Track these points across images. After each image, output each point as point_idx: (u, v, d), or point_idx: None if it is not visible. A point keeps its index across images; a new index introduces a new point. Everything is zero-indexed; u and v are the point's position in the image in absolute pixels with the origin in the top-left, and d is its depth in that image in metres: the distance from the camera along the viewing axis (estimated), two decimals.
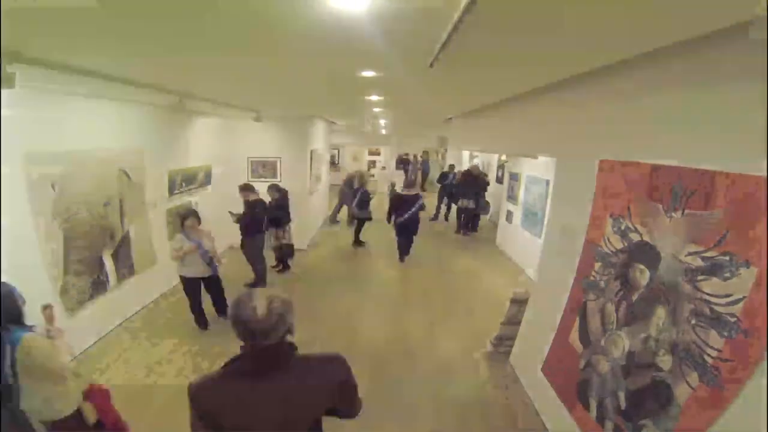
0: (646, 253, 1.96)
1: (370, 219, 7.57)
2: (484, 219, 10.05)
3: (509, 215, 7.44)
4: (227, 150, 6.79)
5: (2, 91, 1.98)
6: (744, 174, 1.45)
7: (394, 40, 1.80)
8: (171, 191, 5.12)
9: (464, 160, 14.52)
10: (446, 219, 10.10)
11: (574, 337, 2.58)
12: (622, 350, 2.09)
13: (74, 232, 3.42)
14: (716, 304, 1.53)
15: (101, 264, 3.82)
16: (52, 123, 3.19)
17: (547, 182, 5.53)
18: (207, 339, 4.01)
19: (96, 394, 2.39)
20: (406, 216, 6.33)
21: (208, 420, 1.15)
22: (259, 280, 5.30)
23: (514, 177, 7.26)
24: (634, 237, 2.07)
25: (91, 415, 2.28)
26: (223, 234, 6.89)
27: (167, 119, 4.91)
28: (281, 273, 5.97)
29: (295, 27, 1.62)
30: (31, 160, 2.96)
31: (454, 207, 9.58)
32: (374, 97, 4.08)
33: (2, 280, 2.00)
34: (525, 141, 3.87)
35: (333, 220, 9.22)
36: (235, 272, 5.69)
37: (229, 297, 4.90)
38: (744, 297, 1.42)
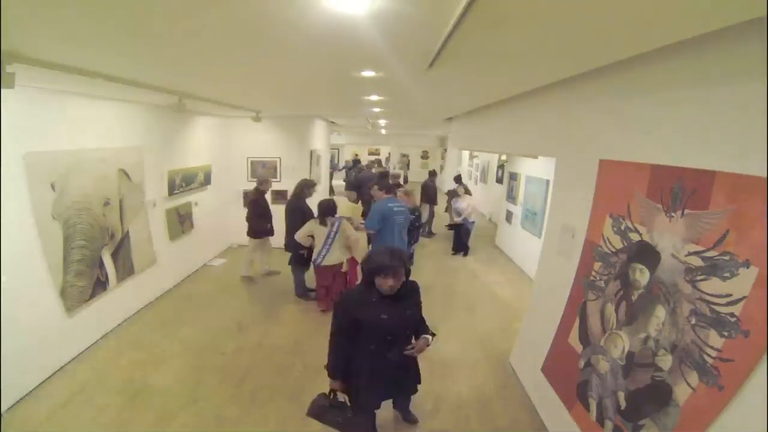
0: (646, 253, 1.96)
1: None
2: (482, 219, 10.04)
3: (509, 215, 7.44)
4: (227, 150, 6.79)
5: (2, 91, 1.97)
6: (744, 174, 1.45)
7: (394, 40, 1.80)
8: (171, 191, 5.12)
9: (464, 160, 14.54)
10: None
11: (574, 336, 2.58)
12: (622, 350, 2.09)
13: (74, 232, 3.42)
14: (716, 304, 1.53)
15: (101, 264, 3.82)
16: (52, 123, 3.20)
17: (547, 182, 5.53)
18: (208, 338, 4.01)
19: (352, 260, 4.53)
20: None
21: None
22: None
23: (514, 177, 7.26)
24: (634, 237, 2.07)
25: (345, 266, 4.48)
26: (225, 232, 6.91)
27: (167, 119, 4.92)
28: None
29: (295, 27, 1.62)
30: (31, 160, 2.96)
31: None
32: (374, 97, 4.08)
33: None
34: (525, 141, 3.87)
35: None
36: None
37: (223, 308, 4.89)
38: (744, 297, 1.42)
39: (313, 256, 4.41)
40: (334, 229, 4.29)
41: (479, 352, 3.93)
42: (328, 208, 4.35)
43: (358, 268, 4.25)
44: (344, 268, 4.48)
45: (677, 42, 1.61)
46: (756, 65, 1.39)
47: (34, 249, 3.05)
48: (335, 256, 4.34)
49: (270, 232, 5.53)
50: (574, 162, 2.79)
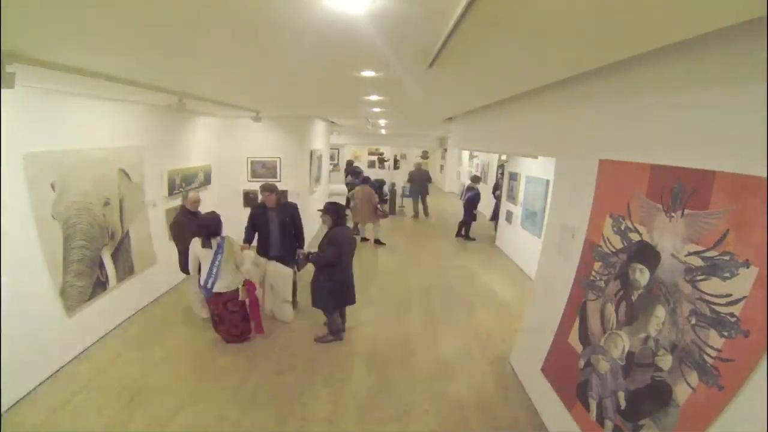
0: (646, 253, 1.97)
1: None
2: (482, 219, 10.04)
3: (509, 215, 7.44)
4: (227, 150, 6.80)
5: (2, 91, 1.97)
6: (744, 174, 1.45)
7: (394, 40, 1.80)
8: (171, 191, 5.12)
9: (464, 160, 14.55)
10: None
11: (574, 336, 2.58)
12: (622, 350, 2.09)
13: (74, 232, 3.42)
14: (716, 304, 1.53)
15: (101, 264, 3.82)
16: (51, 123, 3.20)
17: (547, 182, 5.53)
18: (207, 338, 4.02)
19: (249, 284, 3.93)
20: None
21: None
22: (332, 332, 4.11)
23: (514, 177, 7.26)
24: (634, 237, 2.07)
25: (242, 294, 3.84)
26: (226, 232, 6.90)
27: (167, 119, 4.92)
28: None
29: (295, 27, 1.62)
30: (31, 160, 2.96)
31: None
32: (374, 97, 4.08)
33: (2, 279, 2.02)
34: (525, 141, 3.87)
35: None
36: None
37: None
38: (744, 297, 1.42)
39: (201, 281, 3.76)
40: (220, 249, 3.71)
41: (479, 352, 3.93)
42: (211, 226, 3.74)
43: (258, 292, 3.98)
44: (241, 296, 3.82)
45: (677, 42, 1.61)
46: (756, 65, 1.39)
47: (34, 249, 3.05)
48: (224, 283, 3.72)
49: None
50: (574, 162, 2.79)
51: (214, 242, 3.71)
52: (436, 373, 3.57)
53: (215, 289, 3.70)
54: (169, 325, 4.31)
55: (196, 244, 3.72)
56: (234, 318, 3.84)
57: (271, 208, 4.39)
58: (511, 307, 5.04)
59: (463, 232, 8.71)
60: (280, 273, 4.34)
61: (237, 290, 3.80)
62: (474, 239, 8.61)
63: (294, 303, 4.60)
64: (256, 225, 4.43)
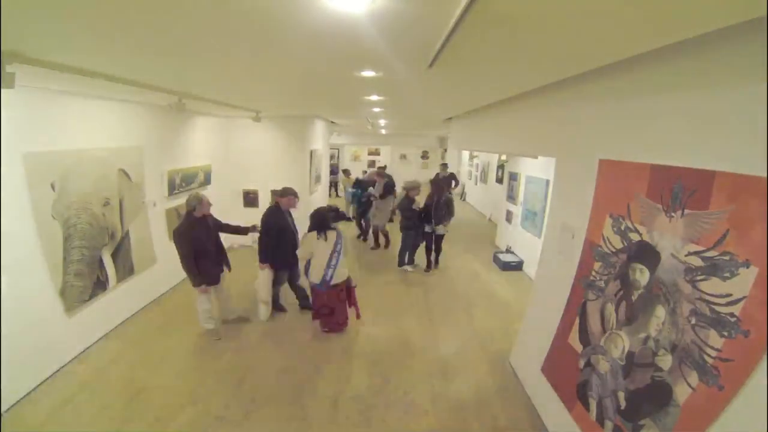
0: (646, 253, 1.97)
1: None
2: (482, 219, 10.05)
3: (509, 215, 7.44)
4: (227, 150, 6.79)
5: (2, 91, 1.97)
6: (744, 174, 1.45)
7: (394, 40, 1.80)
8: (171, 191, 5.12)
9: (464, 160, 14.55)
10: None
11: (574, 336, 2.58)
12: (622, 350, 2.09)
13: (74, 232, 3.42)
14: (716, 304, 1.53)
15: (101, 264, 3.82)
16: (51, 123, 3.20)
17: (547, 182, 5.53)
18: (207, 338, 4.01)
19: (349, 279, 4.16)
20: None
21: None
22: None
23: (514, 177, 7.26)
24: (634, 237, 2.07)
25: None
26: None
27: (167, 119, 4.92)
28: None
29: (295, 26, 1.62)
30: (30, 160, 2.96)
31: None
32: (374, 97, 4.08)
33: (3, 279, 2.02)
34: (525, 141, 3.87)
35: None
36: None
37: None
38: (744, 297, 1.42)
39: (314, 276, 3.93)
40: (340, 242, 3.96)
41: (479, 352, 3.93)
42: (325, 220, 3.99)
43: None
44: (354, 283, 4.19)
45: (677, 42, 1.61)
46: (756, 65, 1.39)
47: (34, 249, 3.05)
48: (339, 273, 3.97)
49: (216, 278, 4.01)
50: (574, 162, 2.79)
51: (330, 235, 3.91)
52: (436, 373, 3.57)
53: (333, 281, 3.89)
54: (169, 325, 4.31)
55: (312, 238, 3.90)
56: (343, 307, 4.11)
57: (287, 210, 4.35)
58: (511, 307, 5.04)
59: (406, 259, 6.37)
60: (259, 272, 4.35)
61: (347, 279, 4.08)
62: (415, 265, 6.43)
63: (276, 304, 4.65)
64: (279, 232, 4.18)
